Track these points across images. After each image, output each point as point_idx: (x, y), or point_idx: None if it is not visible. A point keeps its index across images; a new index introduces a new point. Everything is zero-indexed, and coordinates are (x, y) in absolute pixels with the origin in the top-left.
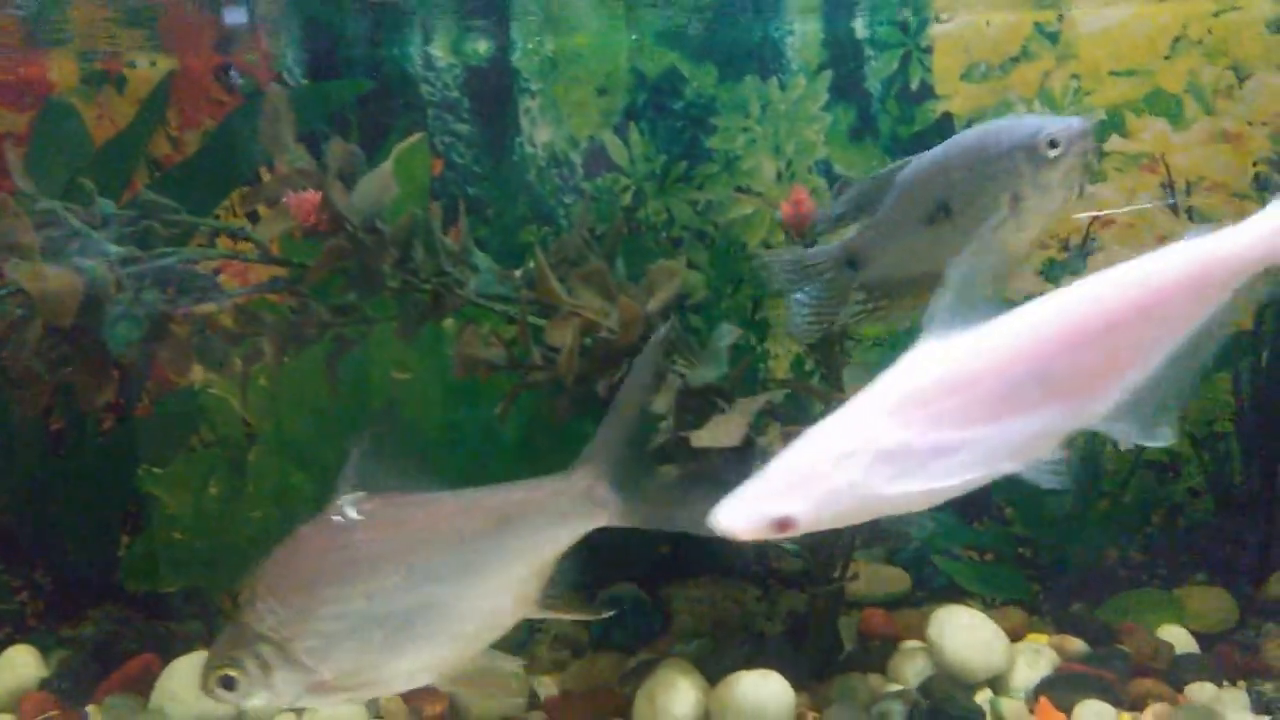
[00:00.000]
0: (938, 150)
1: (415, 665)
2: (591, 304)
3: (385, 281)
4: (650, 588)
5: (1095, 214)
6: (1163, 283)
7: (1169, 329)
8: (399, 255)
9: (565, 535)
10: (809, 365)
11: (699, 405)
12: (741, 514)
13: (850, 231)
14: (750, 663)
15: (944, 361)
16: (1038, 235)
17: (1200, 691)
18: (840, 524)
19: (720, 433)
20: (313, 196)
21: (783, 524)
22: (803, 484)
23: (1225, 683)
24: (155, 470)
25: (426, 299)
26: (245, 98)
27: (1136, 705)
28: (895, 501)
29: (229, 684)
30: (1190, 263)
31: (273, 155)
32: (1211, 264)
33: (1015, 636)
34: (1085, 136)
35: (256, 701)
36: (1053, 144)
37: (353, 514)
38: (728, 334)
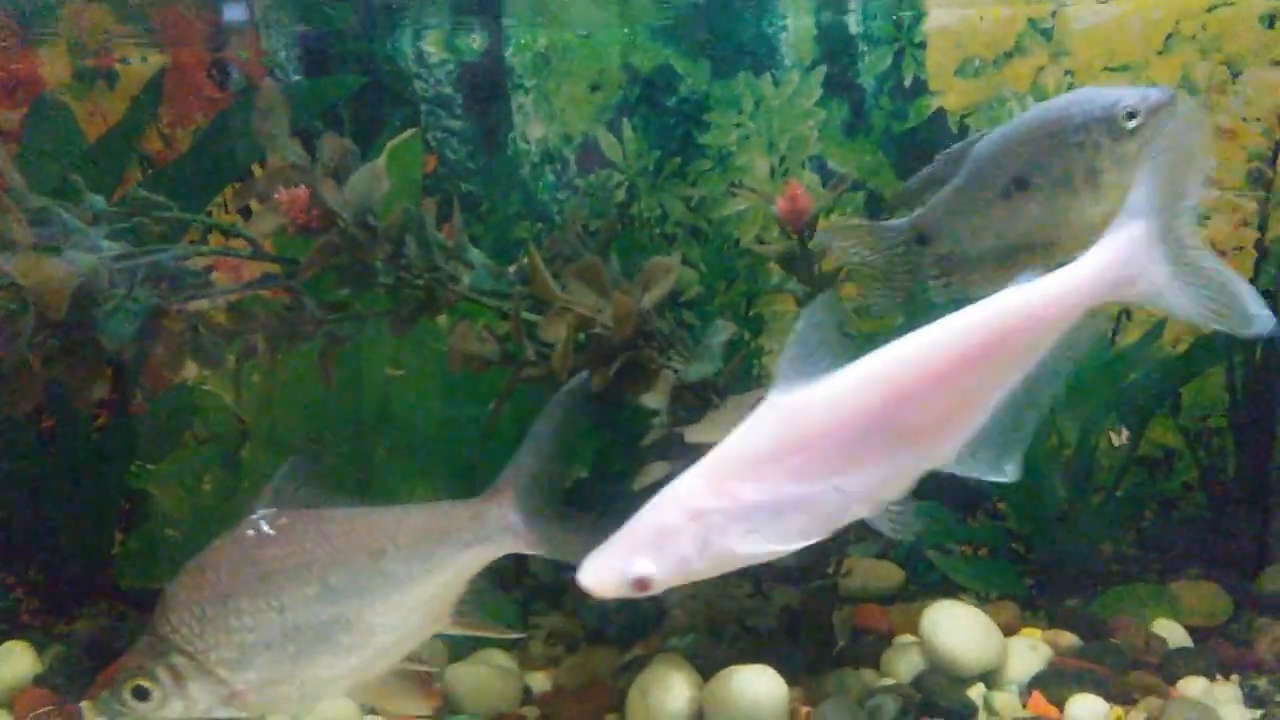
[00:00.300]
0: (1014, 123)
1: (328, 677)
2: (585, 299)
3: (378, 278)
4: None
5: None
6: (994, 329)
7: (1005, 372)
8: (391, 251)
9: (476, 559)
10: None
11: (693, 401)
12: (600, 574)
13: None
14: (744, 658)
15: (789, 418)
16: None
17: (1192, 685)
18: (699, 578)
19: (713, 429)
20: (304, 193)
21: (640, 584)
22: (657, 544)
23: (1218, 677)
24: (149, 467)
25: (420, 295)
26: (237, 94)
27: (1129, 699)
28: (750, 558)
29: (142, 694)
30: (1020, 308)
31: (266, 150)
32: (1039, 308)
33: (1009, 631)
34: (1164, 107)
35: (170, 713)
36: (1130, 115)
37: (265, 528)
38: (722, 330)
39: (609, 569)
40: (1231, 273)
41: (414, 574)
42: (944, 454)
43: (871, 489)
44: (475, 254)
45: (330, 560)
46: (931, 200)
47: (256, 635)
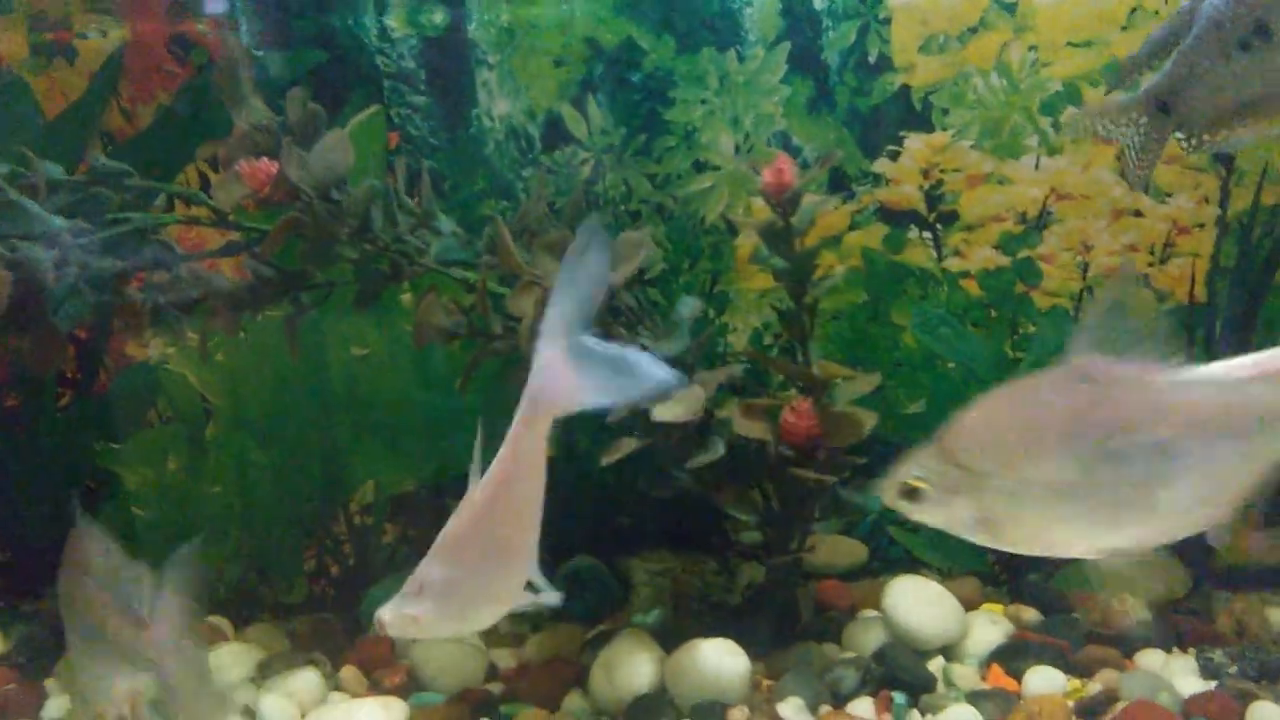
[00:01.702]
0: None
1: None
2: (553, 272)
3: (342, 252)
4: (610, 560)
5: None
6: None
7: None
8: (357, 226)
9: None
10: (768, 339)
11: None
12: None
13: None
14: (708, 633)
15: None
16: None
17: (1149, 658)
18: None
19: (680, 407)
20: (267, 166)
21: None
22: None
23: (1175, 649)
24: (114, 446)
25: (385, 269)
26: (198, 69)
27: (1086, 672)
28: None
29: (913, 494)
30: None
31: (230, 108)
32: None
33: (971, 606)
34: None
35: (930, 519)
36: None
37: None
38: (689, 306)
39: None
40: (625, 350)
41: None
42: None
43: (498, 589)
44: (444, 221)
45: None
46: (1166, 66)
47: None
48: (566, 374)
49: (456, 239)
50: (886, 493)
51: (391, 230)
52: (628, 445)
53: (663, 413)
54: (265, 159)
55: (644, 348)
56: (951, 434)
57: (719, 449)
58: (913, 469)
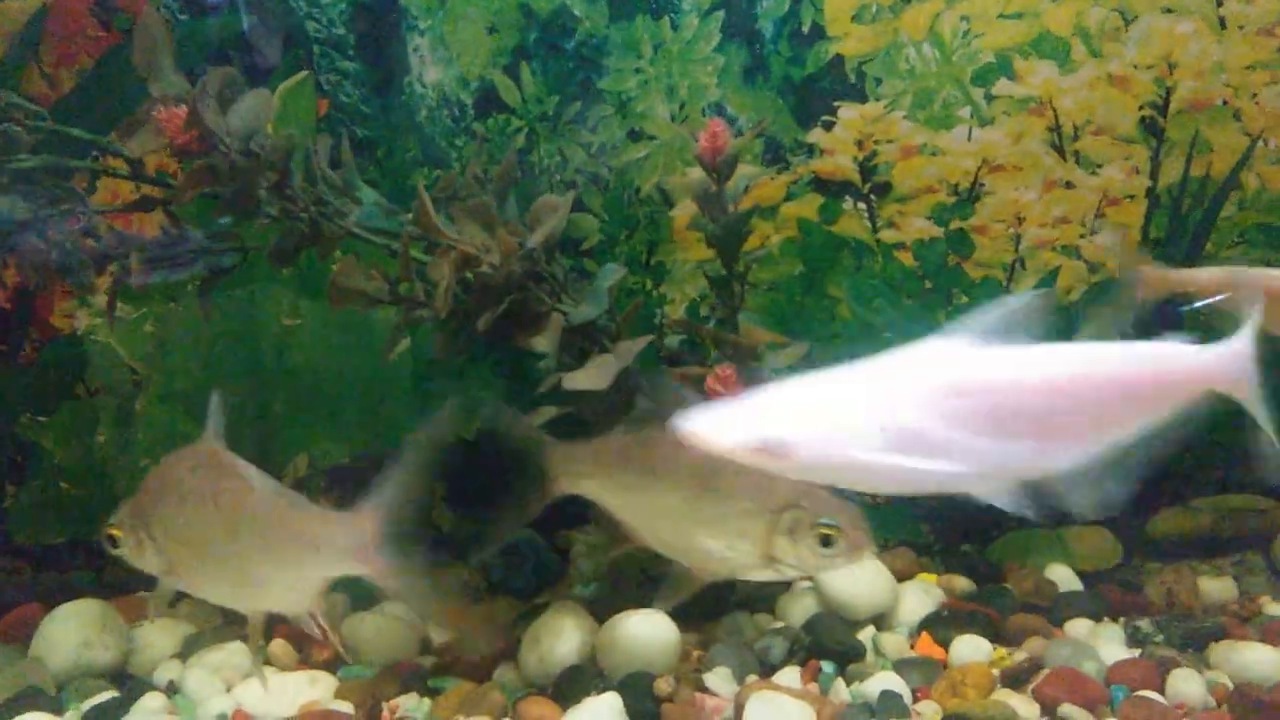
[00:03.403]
0: None
1: (225, 595)
2: (474, 238)
3: (261, 207)
4: (549, 534)
5: None
6: (1157, 373)
7: (1141, 415)
8: (276, 180)
9: (333, 569)
10: (704, 310)
11: (583, 347)
12: (724, 428)
13: None
14: (643, 605)
15: (962, 365)
16: None
17: (1077, 627)
18: (817, 475)
19: (593, 376)
20: (182, 112)
21: (773, 449)
22: (806, 417)
23: (1105, 619)
24: (40, 419)
25: (304, 228)
26: (123, 33)
27: (1015, 640)
28: (884, 475)
29: (113, 542)
30: (1184, 364)
31: (148, 81)
32: (1194, 371)
33: (905, 576)
34: None
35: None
36: None
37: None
38: (611, 273)
39: (736, 425)
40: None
41: (277, 558)
42: (1056, 463)
43: (1008, 465)
44: (366, 190)
45: (225, 509)
46: None
47: (182, 535)
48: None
49: (378, 208)
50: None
51: (311, 190)
52: (547, 413)
53: (574, 382)
54: (184, 107)
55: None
56: (140, 489)
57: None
58: (117, 518)
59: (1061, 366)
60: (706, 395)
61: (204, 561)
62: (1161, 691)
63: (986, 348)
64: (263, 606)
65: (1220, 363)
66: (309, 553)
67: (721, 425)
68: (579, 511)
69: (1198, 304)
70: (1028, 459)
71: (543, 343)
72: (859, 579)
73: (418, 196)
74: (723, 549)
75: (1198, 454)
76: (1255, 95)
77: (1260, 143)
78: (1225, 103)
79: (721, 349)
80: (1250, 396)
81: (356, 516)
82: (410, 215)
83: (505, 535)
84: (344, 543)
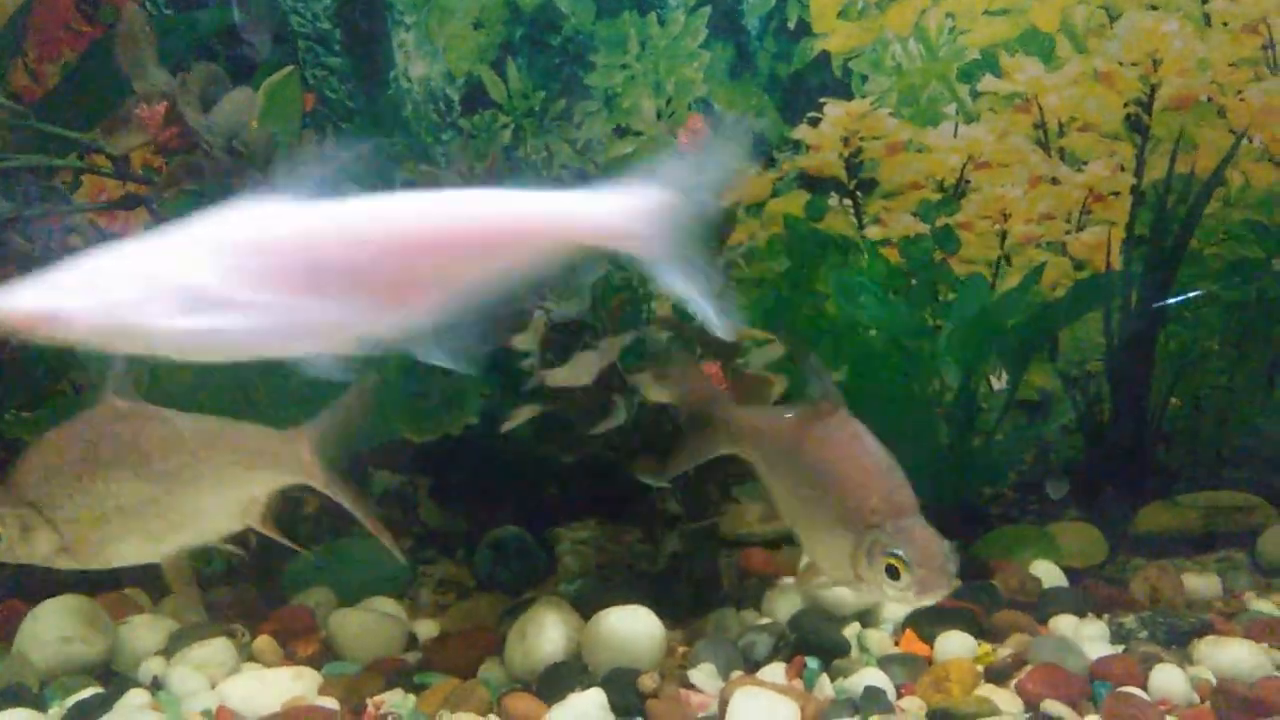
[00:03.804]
0: None
1: (140, 548)
2: None
3: None
4: (536, 530)
5: None
6: (504, 224)
7: (491, 267)
8: (259, 178)
9: (267, 482)
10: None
11: (567, 343)
12: (18, 299)
13: None
14: (631, 601)
15: (268, 222)
16: None
17: (1062, 623)
18: (118, 344)
19: (575, 372)
20: (163, 107)
21: (54, 319)
22: (94, 287)
23: (1089, 614)
24: (24, 415)
25: None
26: (107, 28)
27: (999, 637)
28: (179, 339)
29: None
30: (533, 213)
31: (132, 78)
32: (555, 224)
33: None
34: None
35: (11, 558)
36: None
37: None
38: (592, 270)
39: (29, 295)
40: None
41: (205, 484)
42: (397, 321)
43: (318, 326)
44: (350, 187)
45: (148, 454)
46: None
47: (89, 502)
48: (667, 231)
49: None
50: None
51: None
52: (528, 411)
53: (556, 378)
54: (165, 104)
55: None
56: (17, 474)
57: (621, 415)
58: None
59: (390, 217)
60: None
61: (114, 522)
62: (1144, 687)
63: (309, 203)
64: (192, 540)
65: (608, 215)
66: (252, 468)
67: (9, 294)
68: (565, 507)
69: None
70: (354, 316)
71: (525, 341)
72: None
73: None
74: (822, 555)
75: (1185, 450)
76: (1240, 92)
77: (1245, 139)
78: (1210, 99)
79: (705, 346)
80: (657, 257)
81: (298, 432)
82: None
83: (678, 470)
84: (289, 455)
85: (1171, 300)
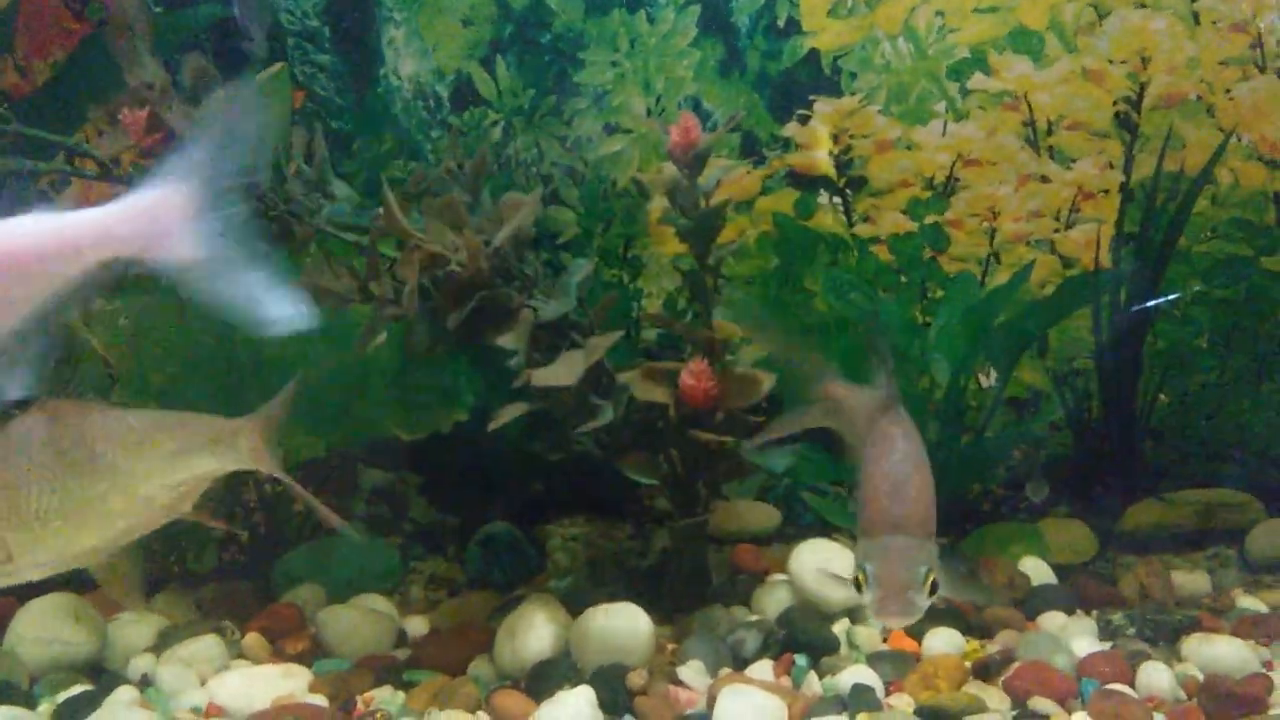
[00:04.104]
0: None
1: (80, 548)
2: (441, 237)
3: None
4: (526, 527)
5: None
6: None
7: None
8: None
9: (213, 470)
10: (681, 304)
11: (553, 342)
12: None
13: None
14: (620, 597)
15: None
16: None
17: (1050, 620)
18: None
19: (560, 371)
20: (145, 114)
21: None
22: None
23: (1079, 612)
24: (13, 412)
25: (273, 228)
26: (97, 25)
27: (987, 633)
28: None
29: None
30: (56, 233)
31: (124, 68)
32: (71, 239)
33: None
34: None
35: None
36: None
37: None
38: (580, 269)
39: None
40: (261, 275)
41: (154, 472)
42: None
43: None
44: (339, 185)
45: (85, 448)
46: None
47: (25, 504)
48: (188, 229)
49: (350, 204)
50: None
51: (282, 190)
52: (515, 410)
53: (542, 378)
54: (149, 109)
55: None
56: None
57: (608, 413)
58: None
59: None
60: (681, 391)
61: (55, 523)
62: (1132, 684)
63: None
64: (136, 531)
65: (115, 221)
66: (201, 455)
67: None
68: (556, 504)
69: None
70: None
71: (511, 340)
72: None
73: (383, 196)
74: None
75: (1174, 447)
76: (1228, 90)
77: (1233, 138)
78: (1199, 98)
79: (693, 343)
80: (175, 260)
81: (246, 421)
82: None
83: (774, 435)
84: (241, 442)
85: (1154, 302)
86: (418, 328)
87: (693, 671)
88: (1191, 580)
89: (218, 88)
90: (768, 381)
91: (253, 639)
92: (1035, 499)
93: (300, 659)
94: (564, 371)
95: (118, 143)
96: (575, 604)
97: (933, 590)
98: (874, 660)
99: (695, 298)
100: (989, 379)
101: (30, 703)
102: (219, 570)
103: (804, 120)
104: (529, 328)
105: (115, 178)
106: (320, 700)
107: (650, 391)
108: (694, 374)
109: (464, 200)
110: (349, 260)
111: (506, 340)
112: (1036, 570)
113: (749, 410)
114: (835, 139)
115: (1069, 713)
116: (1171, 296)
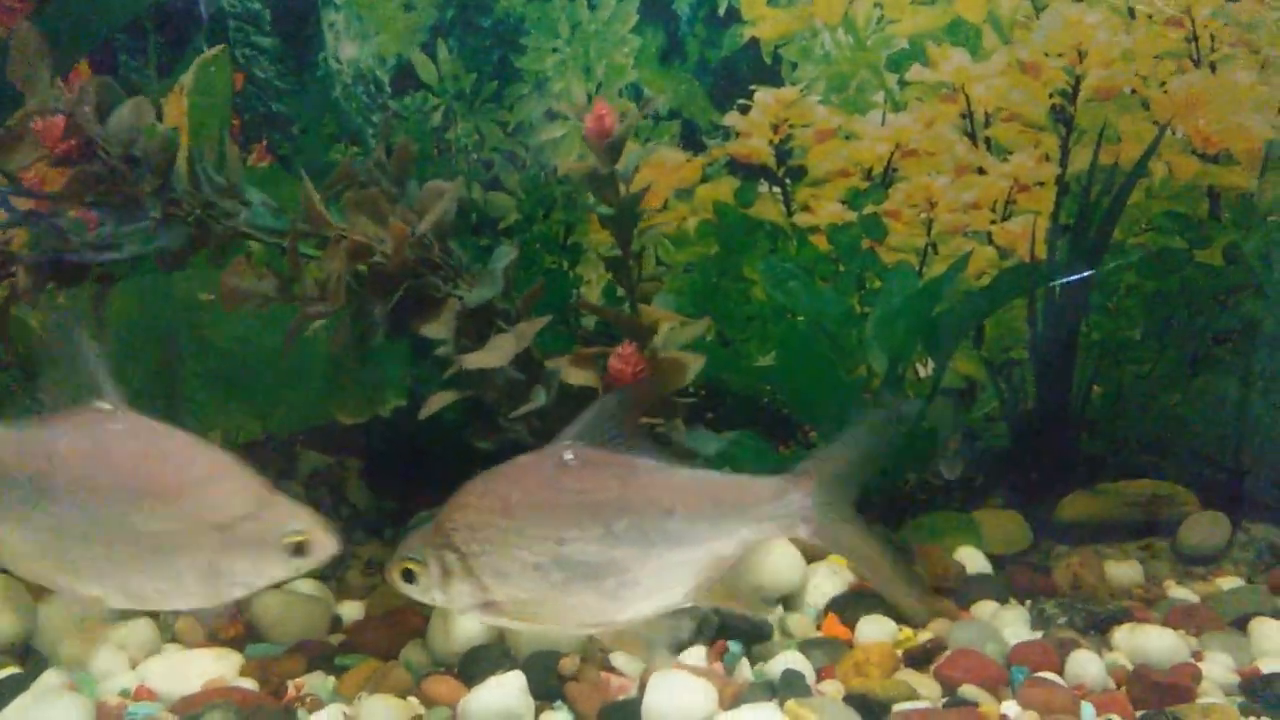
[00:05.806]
0: None
1: (584, 616)
2: (366, 229)
3: (147, 212)
4: None
5: None
6: None
7: None
8: (158, 184)
9: (759, 535)
10: (621, 291)
11: (482, 330)
12: None
13: None
14: None
15: None
16: None
17: (984, 609)
18: None
19: (489, 355)
20: (60, 121)
21: None
22: None
23: (1012, 601)
24: None
25: (190, 230)
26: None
27: (921, 621)
28: None
29: (409, 577)
30: None
31: (25, 94)
32: None
33: (816, 558)
34: None
35: (430, 600)
36: None
37: (570, 458)
38: (504, 255)
39: None
40: None
41: (696, 537)
42: None
43: None
44: (253, 192)
45: (620, 507)
46: None
47: (530, 558)
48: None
49: (267, 208)
50: (390, 574)
51: (197, 194)
52: (445, 397)
53: (472, 361)
54: (63, 117)
55: None
56: (444, 516)
57: (541, 398)
58: (408, 551)
59: None
60: (609, 375)
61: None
62: (1061, 673)
63: None
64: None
65: None
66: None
67: None
68: None
69: None
70: None
71: (435, 328)
72: (767, 560)
73: (303, 191)
74: None
75: (1108, 439)
76: (1163, 84)
77: (1168, 131)
78: (1134, 91)
79: (621, 328)
80: None
81: (795, 477)
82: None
83: None
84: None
85: (1063, 280)
86: (346, 321)
87: (625, 658)
88: (1124, 571)
89: (121, 102)
90: (695, 364)
91: (186, 623)
92: (950, 476)
93: (233, 643)
94: (493, 355)
95: (24, 154)
96: None
97: None
98: (806, 647)
99: (619, 283)
100: (926, 369)
101: None
102: None
103: (744, 109)
104: (455, 316)
105: (24, 191)
106: (251, 684)
107: (580, 376)
108: (622, 358)
109: (390, 191)
110: (270, 261)
111: (432, 330)
112: (971, 560)
113: (677, 393)
114: (775, 128)
115: (999, 700)
116: (1086, 273)
